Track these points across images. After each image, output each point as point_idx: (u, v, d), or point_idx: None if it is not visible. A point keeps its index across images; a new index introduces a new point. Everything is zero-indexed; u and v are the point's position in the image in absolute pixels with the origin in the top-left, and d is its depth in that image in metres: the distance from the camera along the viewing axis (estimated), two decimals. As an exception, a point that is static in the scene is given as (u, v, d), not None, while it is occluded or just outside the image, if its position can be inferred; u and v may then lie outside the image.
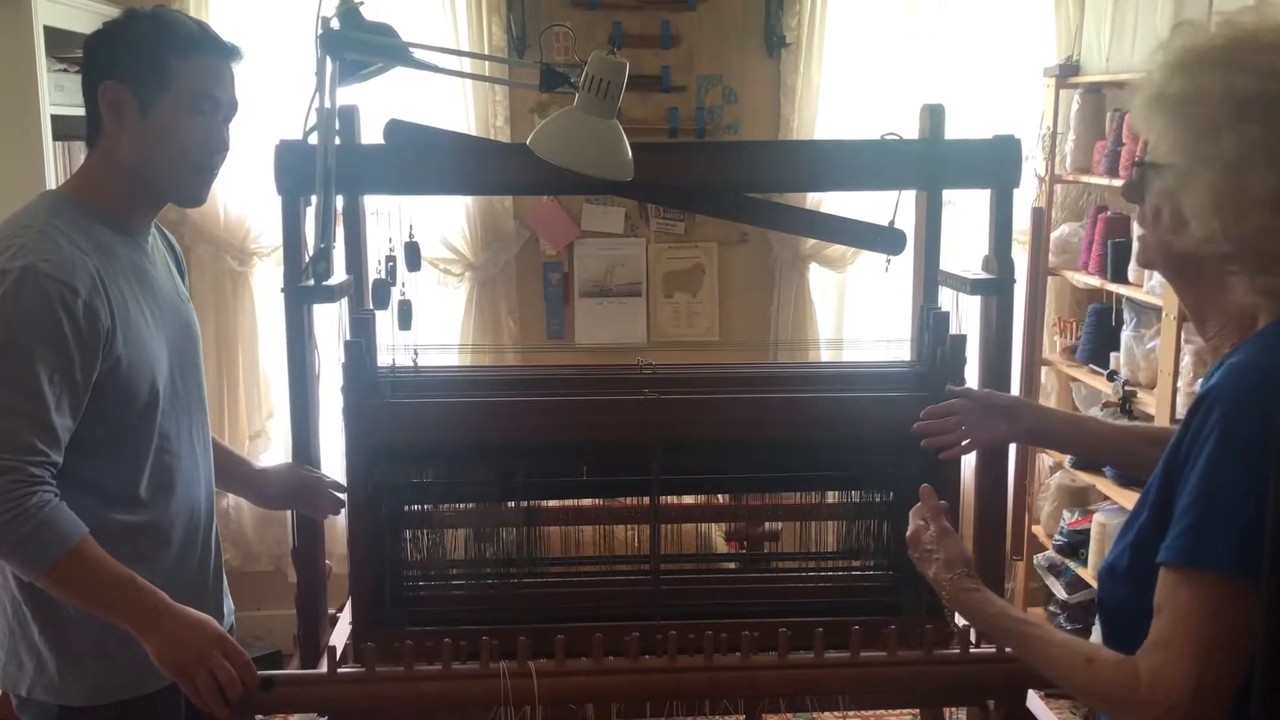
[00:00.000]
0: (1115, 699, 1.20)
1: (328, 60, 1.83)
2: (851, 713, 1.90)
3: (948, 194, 2.36)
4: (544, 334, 3.94)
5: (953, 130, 2.14)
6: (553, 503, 2.13)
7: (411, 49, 1.87)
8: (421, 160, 2.05)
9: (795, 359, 3.75)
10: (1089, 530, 3.55)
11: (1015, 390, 2.54)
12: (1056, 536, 3.76)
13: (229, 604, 2.03)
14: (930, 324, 2.14)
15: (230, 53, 1.78)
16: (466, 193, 3.44)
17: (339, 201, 2.09)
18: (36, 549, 1.57)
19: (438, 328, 3.77)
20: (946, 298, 2.22)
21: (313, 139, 1.88)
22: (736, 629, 1.80)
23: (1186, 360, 3.00)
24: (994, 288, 2.08)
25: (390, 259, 2.25)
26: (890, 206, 2.10)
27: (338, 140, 1.92)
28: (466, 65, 3.09)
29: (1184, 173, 1.18)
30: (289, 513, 2.10)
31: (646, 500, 2.05)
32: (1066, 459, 3.69)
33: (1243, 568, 1.10)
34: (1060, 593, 3.73)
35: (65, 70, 3.16)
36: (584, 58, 1.73)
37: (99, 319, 1.65)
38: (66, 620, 1.71)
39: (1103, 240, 3.55)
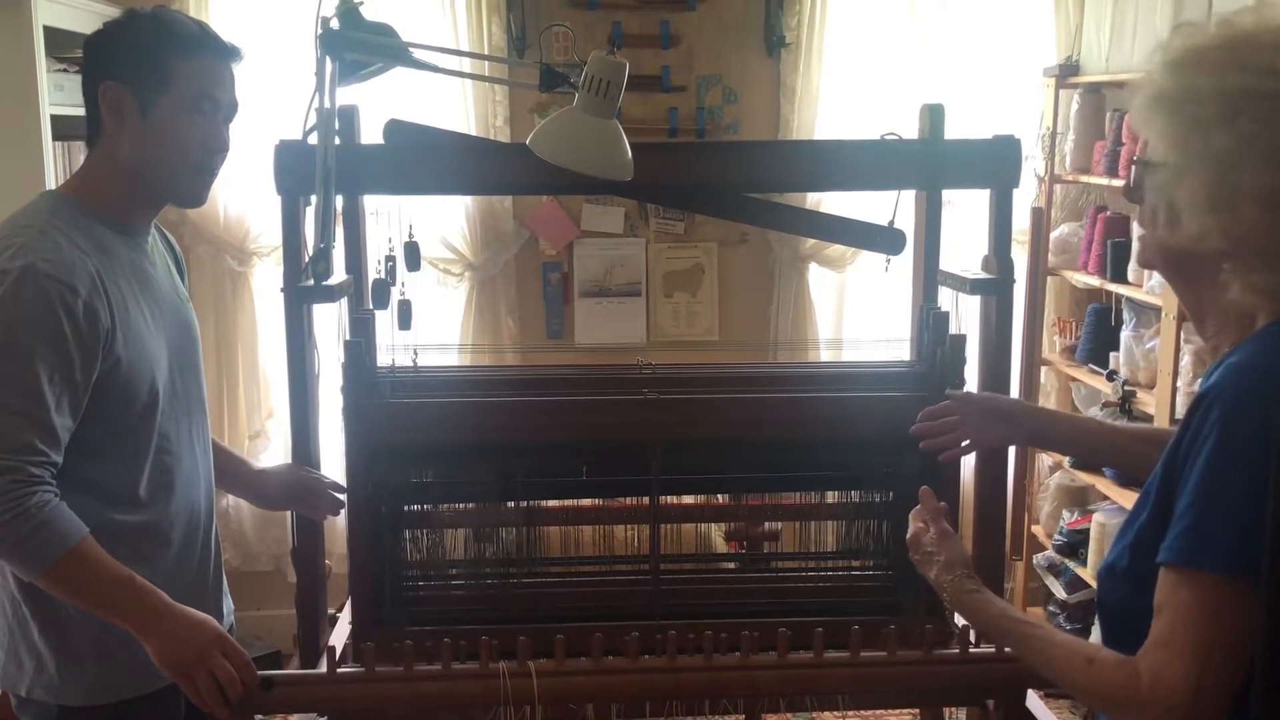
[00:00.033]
0: (1116, 699, 1.20)
1: (327, 60, 1.83)
2: (851, 712, 1.89)
3: (947, 194, 2.36)
4: (544, 334, 3.94)
5: (952, 130, 2.14)
6: (552, 503, 2.13)
7: (411, 49, 1.87)
8: (421, 160, 2.05)
9: (795, 359, 3.75)
10: (1088, 530, 3.55)
11: (1015, 390, 2.55)
12: (1056, 536, 3.76)
13: (229, 604, 2.03)
14: (930, 324, 2.14)
15: (230, 53, 1.78)
16: (466, 193, 3.44)
17: (339, 201, 2.09)
18: (36, 549, 1.57)
19: (437, 328, 3.77)
20: (946, 298, 2.22)
21: (312, 139, 1.88)
22: (736, 629, 1.80)
23: (1186, 360, 3.00)
24: (993, 288, 2.08)
25: (390, 259, 2.25)
26: (890, 206, 2.10)
27: (337, 140, 1.92)
28: (466, 65, 3.09)
29: (1178, 170, 1.19)
30: (288, 513, 2.10)
31: (646, 500, 2.05)
32: (1066, 459, 3.69)
33: (1243, 567, 1.10)
34: (1060, 593, 3.73)
35: (65, 70, 3.16)
36: (584, 58, 1.73)
37: (99, 319, 1.65)
38: (66, 620, 1.71)
39: (1102, 240, 3.55)
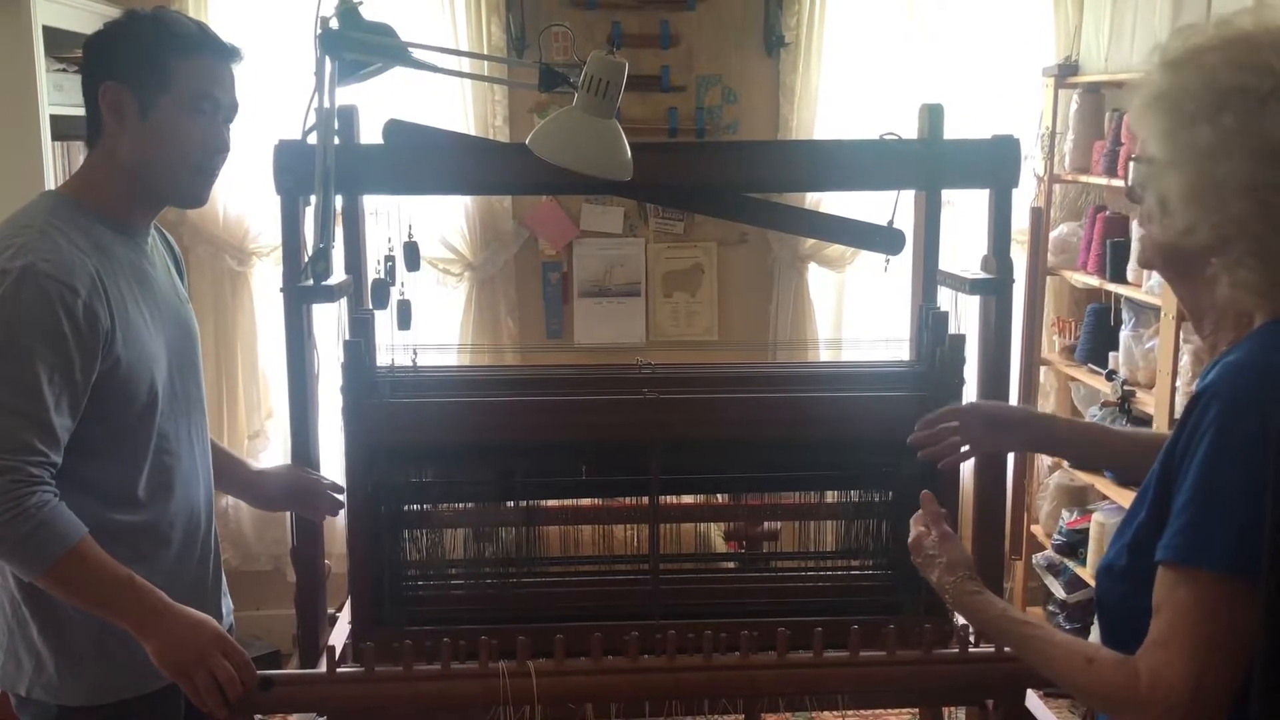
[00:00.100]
0: (1115, 699, 1.20)
1: (327, 60, 1.83)
2: (850, 712, 1.90)
3: (947, 194, 2.36)
4: (543, 334, 3.94)
5: (952, 130, 2.14)
6: (552, 502, 2.13)
7: (410, 49, 1.87)
8: (420, 160, 2.05)
9: (794, 359, 3.75)
10: (1088, 530, 3.55)
11: (1014, 389, 2.55)
12: (1055, 536, 3.76)
13: (228, 604, 2.02)
14: (929, 324, 2.14)
15: (230, 53, 1.78)
16: (465, 192, 3.44)
17: (338, 201, 2.09)
18: (36, 549, 1.57)
19: (437, 327, 3.77)
20: (945, 297, 2.22)
21: (312, 139, 1.88)
22: (735, 628, 1.80)
23: (1185, 360, 3.00)
24: (993, 287, 2.08)
25: (389, 259, 2.25)
26: (889, 206, 2.11)
27: (337, 140, 1.92)
28: (465, 65, 3.09)
29: (1167, 164, 1.21)
30: (288, 513, 2.10)
31: (645, 500, 2.05)
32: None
33: (1241, 566, 1.11)
34: (1059, 592, 3.73)
35: (64, 70, 3.16)
36: (583, 57, 1.73)
37: (98, 319, 1.65)
38: (66, 620, 1.71)
39: (1101, 240, 3.55)
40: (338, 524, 2.27)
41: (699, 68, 3.81)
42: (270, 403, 3.90)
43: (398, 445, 2.00)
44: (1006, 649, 1.52)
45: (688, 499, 2.18)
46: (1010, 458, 2.72)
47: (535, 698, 1.71)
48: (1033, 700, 1.93)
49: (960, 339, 2.07)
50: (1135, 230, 3.26)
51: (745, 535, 2.34)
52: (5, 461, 1.56)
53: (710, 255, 3.93)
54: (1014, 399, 3.09)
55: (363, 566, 2.01)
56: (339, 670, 1.77)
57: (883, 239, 2.11)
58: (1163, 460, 1.22)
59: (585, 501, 2.13)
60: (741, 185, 2.12)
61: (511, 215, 3.85)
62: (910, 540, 1.59)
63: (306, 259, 1.95)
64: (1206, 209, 1.17)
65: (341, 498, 2.05)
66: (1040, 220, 3.79)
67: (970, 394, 2.07)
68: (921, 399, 2.01)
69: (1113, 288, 3.48)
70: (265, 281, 3.80)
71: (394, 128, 2.03)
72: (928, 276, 2.26)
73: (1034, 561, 3.92)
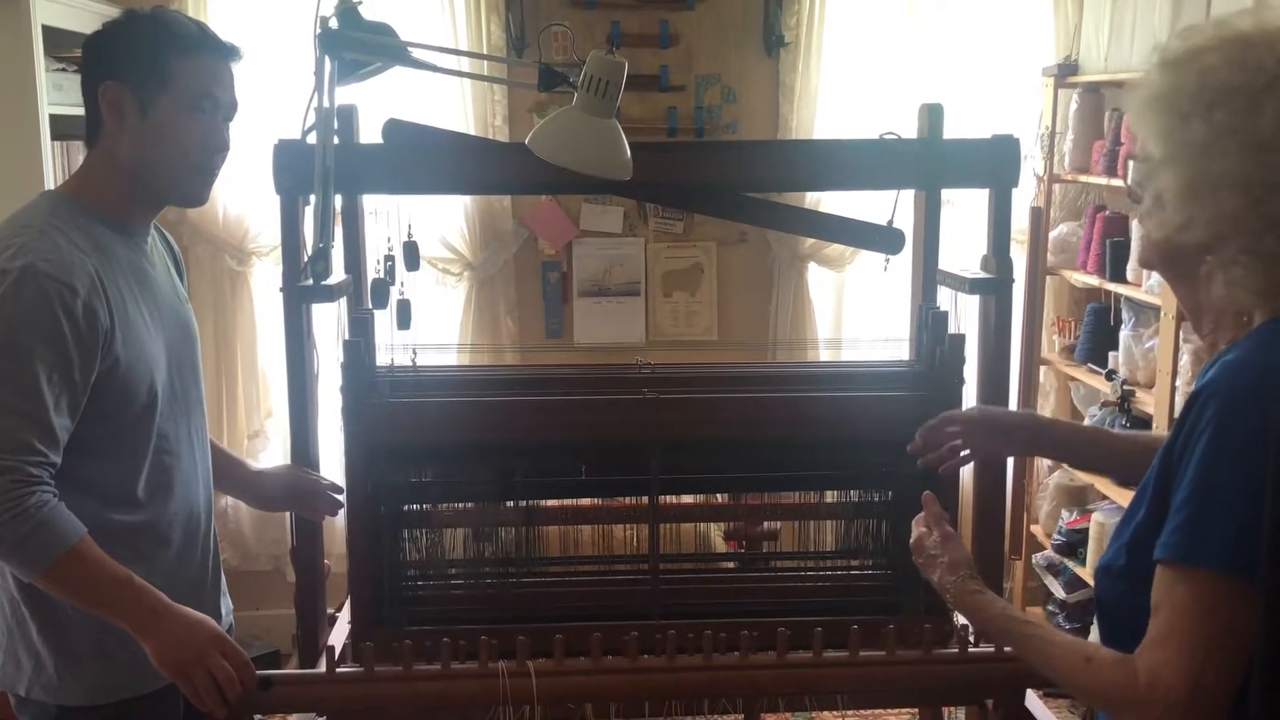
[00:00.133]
0: (1114, 698, 1.20)
1: (326, 60, 1.83)
2: (850, 712, 1.90)
3: (946, 193, 2.36)
4: (543, 333, 3.94)
5: (951, 130, 2.14)
6: (551, 502, 2.13)
7: (410, 48, 1.87)
8: (420, 160, 2.05)
9: (794, 358, 3.75)
10: (1087, 530, 3.55)
11: (1014, 389, 2.55)
12: (1055, 536, 3.76)
13: (227, 604, 2.02)
14: (929, 323, 2.14)
15: (229, 52, 1.78)
16: (465, 192, 3.44)
17: (337, 201, 2.09)
18: (35, 549, 1.57)
19: (436, 327, 3.77)
20: (945, 297, 2.22)
21: (311, 138, 1.88)
22: (735, 628, 1.80)
23: (1185, 359, 3.00)
24: (992, 287, 2.08)
25: (389, 258, 2.25)
26: (889, 206, 2.10)
27: (336, 140, 1.92)
28: (465, 65, 3.08)
29: (1161, 161, 1.22)
30: (287, 513, 2.10)
31: (645, 500, 2.05)
32: (1065, 459, 3.69)
33: (1238, 564, 1.11)
34: (1059, 592, 3.73)
35: (64, 70, 3.16)
36: (582, 57, 1.73)
37: (98, 319, 1.65)
38: (65, 620, 1.71)
39: (1101, 239, 3.55)
40: (337, 524, 2.27)
41: (698, 67, 3.81)
42: (270, 402, 3.90)
43: (397, 445, 2.00)
44: (1006, 649, 1.52)
45: (687, 499, 2.18)
46: (1010, 458, 2.72)
47: (535, 698, 1.71)
48: (1032, 700, 1.93)
49: (960, 339, 2.07)
50: (1135, 230, 3.26)
51: (745, 535, 2.33)
52: (5, 461, 1.56)
53: (710, 255, 3.93)
54: (1014, 399, 3.09)
55: (362, 566, 2.01)
56: (338, 670, 1.77)
57: (882, 239, 2.11)
58: (1161, 459, 1.22)
59: (585, 501, 2.13)
60: (741, 185, 2.12)
61: (511, 215, 3.85)
62: (912, 541, 1.60)
63: (306, 259, 1.95)
64: (1200, 205, 1.18)
65: (341, 498, 2.05)
66: (1040, 220, 3.79)
67: (970, 393, 2.07)
68: (921, 399, 2.01)
69: (1112, 287, 3.48)
70: (265, 281, 3.80)
71: (393, 127, 2.03)
72: (927, 276, 2.26)
73: (1034, 561, 3.92)
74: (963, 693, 1.97)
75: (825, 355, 3.87)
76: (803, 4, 3.73)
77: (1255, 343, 1.19)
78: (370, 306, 2.21)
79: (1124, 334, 3.42)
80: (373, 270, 2.31)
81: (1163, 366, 3.07)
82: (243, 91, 1.82)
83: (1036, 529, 3.98)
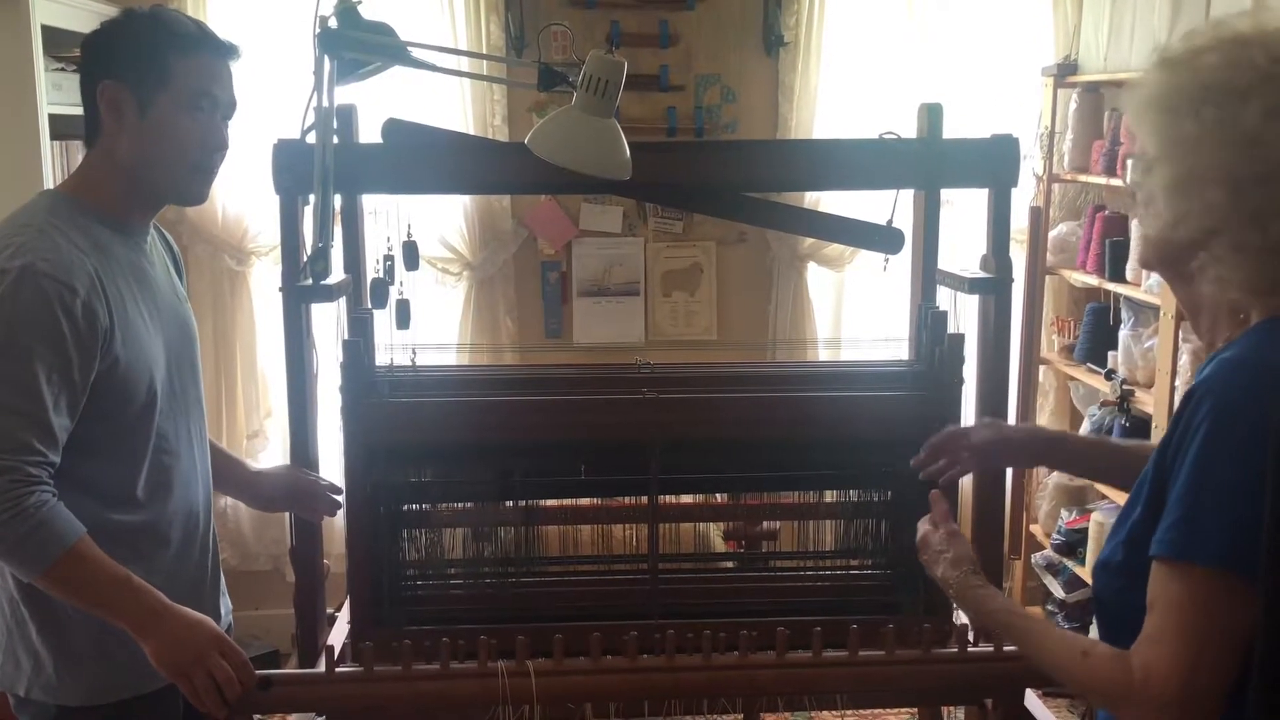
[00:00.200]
0: (1111, 693, 1.21)
1: (326, 59, 1.83)
2: (849, 712, 1.90)
3: (946, 193, 2.36)
4: (542, 333, 3.93)
5: (951, 129, 2.14)
6: (551, 502, 2.13)
7: (409, 48, 1.87)
8: (419, 159, 2.05)
9: (793, 358, 3.75)
10: (1087, 529, 3.55)
11: (1013, 389, 2.55)
12: (1054, 535, 3.76)
13: (227, 603, 2.03)
14: (928, 323, 2.14)
15: (228, 51, 1.78)
16: (465, 192, 3.44)
17: (337, 201, 2.09)
18: (35, 549, 1.57)
19: (436, 327, 3.76)
20: (944, 297, 2.22)
21: (311, 138, 1.88)
22: (735, 628, 1.80)
23: (1184, 359, 3.00)
24: (992, 287, 2.08)
25: (388, 258, 2.25)
26: (888, 206, 2.10)
27: (336, 139, 1.92)
28: (464, 64, 3.08)
29: (1155, 158, 1.23)
30: (287, 512, 2.10)
31: (645, 499, 2.05)
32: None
33: (1234, 561, 1.11)
34: (1058, 591, 3.73)
35: (63, 69, 3.16)
36: (582, 57, 1.73)
37: (97, 319, 1.65)
38: (64, 620, 1.71)
39: (1100, 239, 3.55)
40: (337, 524, 2.27)
41: (698, 67, 3.81)
42: (269, 402, 3.90)
43: (397, 445, 2.00)
44: (1006, 647, 1.53)
45: (687, 499, 2.18)
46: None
47: (534, 697, 1.71)
48: (1032, 700, 1.93)
49: (959, 338, 2.07)
50: (1134, 230, 3.27)
51: (744, 535, 2.34)
52: (4, 461, 1.56)
53: (709, 255, 3.93)
54: (1013, 399, 3.09)
55: (362, 566, 2.01)
56: (338, 670, 1.77)
57: (882, 238, 2.11)
58: (1157, 455, 1.23)
59: (584, 501, 2.13)
60: (740, 185, 2.12)
61: (510, 215, 3.85)
62: (918, 538, 1.61)
63: (305, 258, 1.95)
64: (1189, 201, 1.19)
65: (340, 498, 2.05)
66: (1039, 220, 3.79)
67: (970, 393, 2.07)
68: (921, 398, 2.01)
69: (1112, 287, 3.48)
70: (264, 281, 3.80)
71: (393, 127, 2.03)
72: (927, 276, 2.26)
73: (1033, 561, 3.92)
74: (962, 692, 1.97)
75: (824, 355, 3.87)
76: (802, 4, 3.73)
77: (1252, 341, 1.20)
78: (370, 306, 2.21)
79: (1123, 334, 3.42)
80: (372, 270, 2.31)
81: (1162, 366, 3.07)
82: (242, 91, 1.82)
83: (1036, 528, 3.98)
